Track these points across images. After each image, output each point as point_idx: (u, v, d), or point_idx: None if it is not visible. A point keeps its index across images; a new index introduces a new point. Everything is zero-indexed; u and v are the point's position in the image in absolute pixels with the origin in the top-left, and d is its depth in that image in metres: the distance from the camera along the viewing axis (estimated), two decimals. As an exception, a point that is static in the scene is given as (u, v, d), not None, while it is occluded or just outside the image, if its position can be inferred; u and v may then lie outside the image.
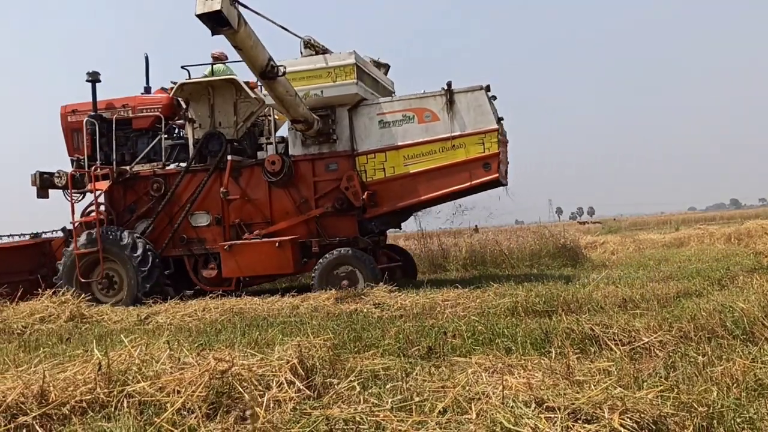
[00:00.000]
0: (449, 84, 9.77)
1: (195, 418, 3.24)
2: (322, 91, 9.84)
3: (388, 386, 3.72)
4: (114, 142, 10.90)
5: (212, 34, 8.13)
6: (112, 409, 3.54)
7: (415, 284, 9.85)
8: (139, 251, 10.04)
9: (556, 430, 2.79)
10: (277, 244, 9.68)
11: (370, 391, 3.65)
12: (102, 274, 10.19)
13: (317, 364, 4.20)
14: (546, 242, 14.33)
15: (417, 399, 3.38)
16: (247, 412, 3.20)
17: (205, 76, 10.73)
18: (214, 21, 7.94)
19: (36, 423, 3.42)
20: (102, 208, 10.72)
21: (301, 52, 10.13)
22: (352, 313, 7.44)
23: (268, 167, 10.10)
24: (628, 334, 4.95)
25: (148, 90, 11.68)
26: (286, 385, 3.70)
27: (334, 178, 10.13)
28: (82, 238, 10.34)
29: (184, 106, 10.78)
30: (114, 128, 10.95)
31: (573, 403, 3.03)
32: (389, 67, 11.72)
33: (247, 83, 10.62)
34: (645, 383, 3.56)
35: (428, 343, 5.08)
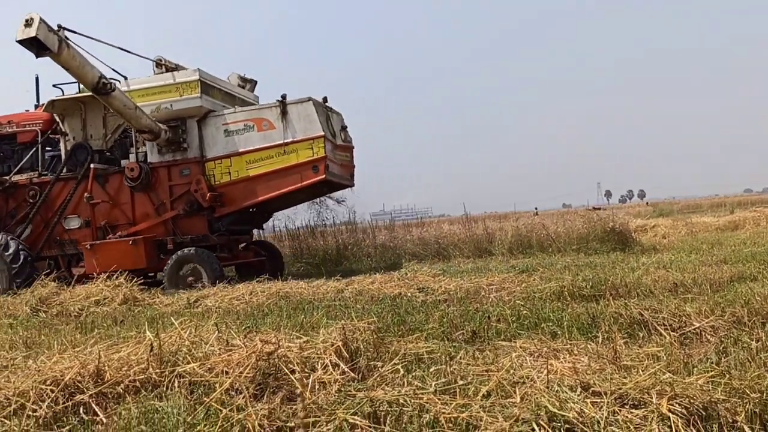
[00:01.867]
0: (284, 96, 10.83)
1: (243, 398, 3.30)
2: (171, 105, 10.93)
3: (431, 369, 3.73)
4: None
5: (36, 57, 9.36)
6: (164, 389, 3.64)
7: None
8: (11, 250, 11.07)
9: (603, 414, 2.75)
10: (131, 242, 10.80)
11: (413, 374, 3.67)
12: None
13: (361, 347, 4.24)
14: (594, 226, 14.04)
15: (461, 382, 3.38)
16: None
17: (78, 92, 11.71)
18: (36, 46, 9.15)
19: (92, 401, 3.54)
20: None
21: (154, 71, 11.28)
22: (396, 297, 7.47)
23: (128, 174, 11.10)
24: (679, 319, 4.82)
25: (37, 107, 12.66)
26: (330, 367, 3.75)
27: (187, 182, 11.13)
28: None
29: (59, 120, 11.80)
30: (2, 141, 12.26)
31: (620, 388, 2.98)
32: (256, 82, 13.01)
33: None
34: (695, 369, 3.47)
35: (472, 327, 5.07)
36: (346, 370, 3.74)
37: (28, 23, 9.14)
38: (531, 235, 14.49)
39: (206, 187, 10.90)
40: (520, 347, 4.08)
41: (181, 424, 3.01)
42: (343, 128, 11.73)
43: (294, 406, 3.22)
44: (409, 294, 7.67)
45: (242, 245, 12.60)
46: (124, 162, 11.36)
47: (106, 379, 3.73)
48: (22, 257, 11.06)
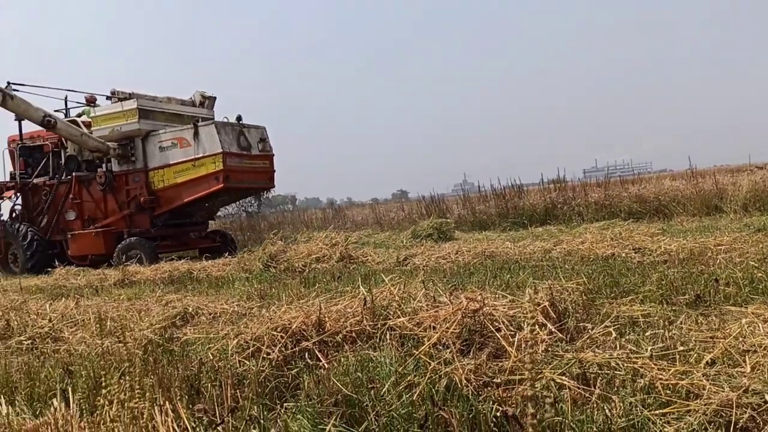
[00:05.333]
0: (239, 117, 13.98)
1: (450, 352, 3.38)
2: (120, 127, 13.94)
3: (647, 333, 3.51)
4: (27, 161, 15.56)
5: None
6: (377, 340, 3.85)
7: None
8: (28, 239, 14.46)
9: None
10: (94, 234, 14.09)
11: (627, 337, 3.47)
12: (5, 253, 14.96)
13: (570, 307, 4.11)
14: None
15: (681, 348, 3.13)
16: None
17: (79, 115, 15.28)
18: None
19: (315, 348, 3.88)
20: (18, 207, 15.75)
21: (110, 100, 14.41)
22: (609, 257, 7.10)
23: (98, 179, 14.33)
24: None
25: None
26: (537, 327, 3.69)
27: (137, 187, 14.12)
28: None
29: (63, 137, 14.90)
30: (30, 153, 15.68)
31: None
32: (215, 98, 15.53)
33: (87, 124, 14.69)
34: None
35: (696, 290, 4.65)
36: (553, 330, 3.65)
37: None
38: (772, 190, 12.80)
39: (146, 192, 13.93)
40: (752, 313, 3.65)
41: (393, 374, 3.17)
42: (262, 140, 14.36)
43: (500, 363, 3.24)
44: (623, 254, 7.26)
45: (199, 234, 15.44)
46: (99, 171, 14.48)
47: (326, 329, 4.04)
48: (35, 244, 14.45)
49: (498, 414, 2.71)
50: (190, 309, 5.56)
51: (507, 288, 5.07)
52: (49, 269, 12.95)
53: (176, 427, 2.86)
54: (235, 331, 4.17)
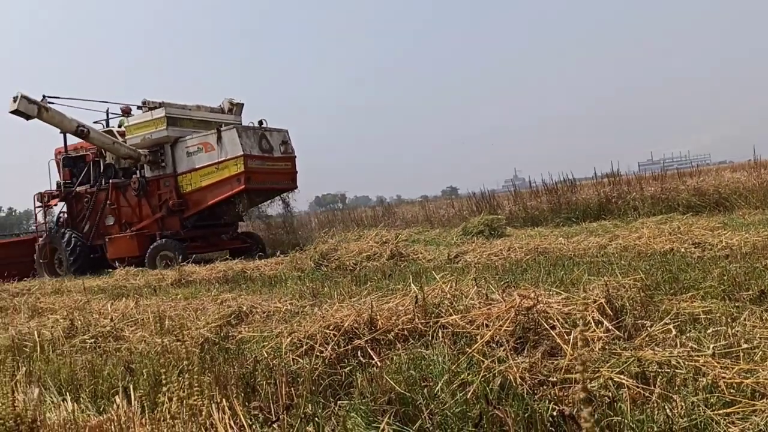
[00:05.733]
0: (260, 121, 14.72)
1: (503, 350, 3.35)
2: (151, 135, 14.70)
3: (709, 331, 3.39)
4: (71, 171, 16.63)
5: (26, 120, 14.08)
6: (429, 338, 3.84)
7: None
8: (72, 244, 15.39)
9: None
10: (129, 237, 14.94)
11: (687, 335, 3.37)
12: (51, 258, 15.90)
13: (627, 304, 4.01)
14: None
15: (744, 346, 3.02)
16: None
17: (120, 125, 16.14)
18: (22, 114, 13.83)
19: (367, 346, 3.89)
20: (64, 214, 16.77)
21: (141, 109, 15.17)
22: (667, 252, 6.90)
23: (132, 185, 15.16)
24: None
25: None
26: (593, 324, 3.61)
27: (168, 191, 14.88)
28: (43, 236, 16.46)
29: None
30: (74, 163, 16.71)
31: None
32: (243, 105, 16.25)
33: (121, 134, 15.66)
34: None
35: (760, 286, 4.46)
36: (610, 327, 3.57)
37: (14, 99, 13.74)
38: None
39: (175, 195, 14.69)
40: (824, 310, 3.50)
41: (446, 372, 3.15)
42: (284, 142, 14.93)
43: (556, 361, 3.18)
44: (682, 249, 7.04)
45: (230, 235, 15.94)
46: (133, 177, 15.30)
47: (378, 327, 4.05)
48: (77, 249, 15.41)
49: (554, 413, 2.66)
50: (245, 308, 5.66)
51: (561, 285, 4.97)
52: (110, 270, 13.42)
53: (233, 424, 2.91)
54: (289, 330, 4.23)
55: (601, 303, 3.85)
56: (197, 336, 4.83)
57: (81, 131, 14.64)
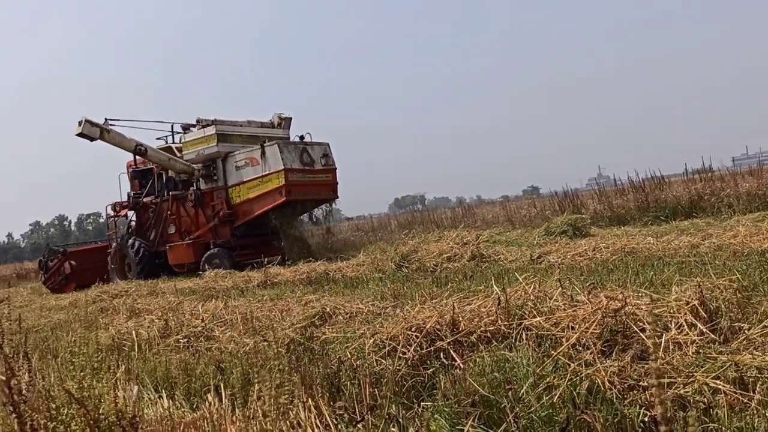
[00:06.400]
0: (302, 136, 16.01)
1: (590, 353, 3.27)
2: (204, 151, 15.92)
3: (815, 334, 3.18)
4: (140, 183, 17.96)
5: (90, 142, 15.77)
6: (512, 340, 3.79)
7: None
8: (141, 252, 16.60)
9: None
10: (185, 245, 16.18)
11: (791, 338, 3.18)
12: (121, 263, 17.09)
13: (722, 306, 3.82)
14: None
15: None
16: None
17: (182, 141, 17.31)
18: (86, 137, 15.49)
19: (450, 347, 3.89)
20: (133, 223, 18.06)
21: (195, 127, 16.50)
22: (765, 252, 6.51)
23: (189, 197, 16.39)
24: None
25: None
26: (686, 326, 3.46)
27: (220, 202, 16.00)
28: (114, 243, 17.88)
29: None
30: (142, 175, 18.00)
31: None
32: (291, 119, 17.29)
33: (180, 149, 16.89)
34: None
35: None
36: (704, 330, 3.42)
37: (79, 124, 15.37)
38: None
39: (226, 206, 15.77)
40: None
41: (531, 375, 3.11)
42: (324, 155, 15.80)
43: (646, 365, 3.07)
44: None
45: (279, 242, 16.57)
46: (190, 189, 16.44)
47: (460, 329, 4.03)
48: (144, 256, 16.56)
49: (646, 419, 2.58)
50: (328, 309, 5.77)
51: (651, 286, 4.80)
52: (200, 274, 14.05)
53: (319, 423, 2.98)
54: (371, 331, 4.27)
55: (695, 305, 3.69)
56: (283, 336, 4.96)
57: (139, 150, 16.09)
